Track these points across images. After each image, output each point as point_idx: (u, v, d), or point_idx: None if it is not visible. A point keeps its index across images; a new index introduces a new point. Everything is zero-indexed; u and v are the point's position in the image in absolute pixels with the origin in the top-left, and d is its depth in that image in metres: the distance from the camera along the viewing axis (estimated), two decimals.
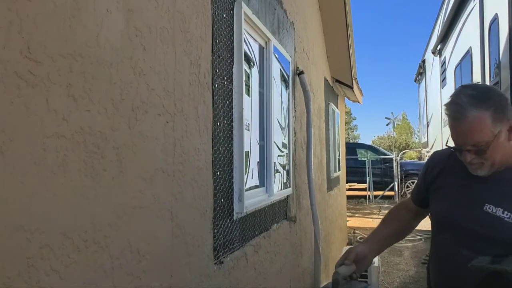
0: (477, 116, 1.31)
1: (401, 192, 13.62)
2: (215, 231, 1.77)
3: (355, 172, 12.83)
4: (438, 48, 6.56)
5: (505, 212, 1.36)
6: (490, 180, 1.41)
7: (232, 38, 2.02)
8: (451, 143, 1.44)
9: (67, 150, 0.95)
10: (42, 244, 0.88)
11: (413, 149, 26.64)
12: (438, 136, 7.05)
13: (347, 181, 9.67)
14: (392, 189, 13.30)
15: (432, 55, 7.13)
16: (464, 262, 1.35)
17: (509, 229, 1.34)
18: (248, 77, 2.31)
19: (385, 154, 15.15)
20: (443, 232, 1.52)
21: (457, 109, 1.35)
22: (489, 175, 1.41)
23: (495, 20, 3.67)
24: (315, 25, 4.80)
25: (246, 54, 2.19)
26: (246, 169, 2.18)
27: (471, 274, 1.34)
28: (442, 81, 6.40)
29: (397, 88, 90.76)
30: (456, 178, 1.53)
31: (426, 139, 8.79)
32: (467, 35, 4.71)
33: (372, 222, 9.24)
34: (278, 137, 2.86)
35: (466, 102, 1.33)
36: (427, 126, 8.74)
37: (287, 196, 3.09)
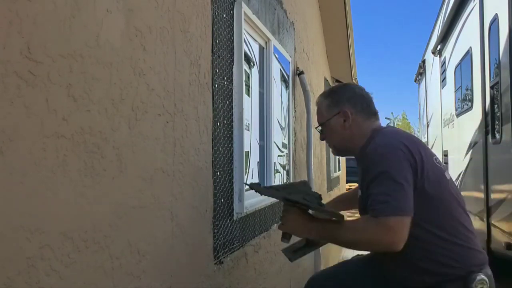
0: (319, 101, 1.73)
1: None
2: (215, 231, 1.77)
3: (355, 172, 12.72)
4: (438, 48, 6.55)
5: (359, 191, 1.62)
6: (359, 163, 1.65)
7: (232, 38, 2.02)
8: None
9: (67, 150, 0.95)
10: (42, 244, 0.88)
11: None
12: (438, 136, 7.04)
13: (347, 181, 9.67)
14: None
15: (432, 55, 7.12)
16: None
17: (360, 205, 1.60)
18: (248, 77, 2.31)
19: None
20: None
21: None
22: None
23: (495, 20, 3.66)
24: (315, 25, 4.80)
25: (246, 54, 2.19)
26: (246, 169, 2.18)
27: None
28: (442, 81, 6.39)
29: (397, 88, 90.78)
30: None
31: (426, 139, 8.79)
32: (467, 35, 4.70)
33: None
34: (278, 137, 2.86)
35: (323, 92, 1.80)
36: (427, 126, 8.74)
37: None
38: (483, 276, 1.42)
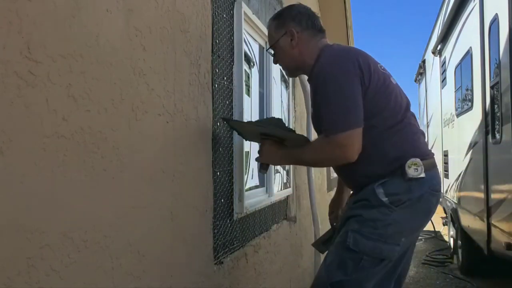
0: (269, 25, 1.78)
1: None
2: (215, 231, 1.77)
3: None
4: (438, 48, 6.53)
5: (311, 108, 1.72)
6: (310, 83, 1.69)
7: (232, 38, 2.02)
8: None
9: (67, 150, 0.95)
10: (42, 244, 0.88)
11: None
12: (438, 136, 7.04)
13: None
14: None
15: (432, 55, 7.11)
16: None
17: (312, 121, 1.73)
18: (248, 77, 2.31)
19: None
20: None
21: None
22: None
23: (495, 20, 3.66)
24: None
25: (246, 54, 2.19)
26: (246, 169, 2.18)
27: None
28: (442, 81, 6.38)
29: None
30: None
31: (426, 139, 8.75)
32: (467, 35, 4.69)
33: None
34: None
35: (271, 16, 1.81)
36: (427, 126, 8.72)
37: (287, 196, 3.08)
38: (417, 159, 1.53)
